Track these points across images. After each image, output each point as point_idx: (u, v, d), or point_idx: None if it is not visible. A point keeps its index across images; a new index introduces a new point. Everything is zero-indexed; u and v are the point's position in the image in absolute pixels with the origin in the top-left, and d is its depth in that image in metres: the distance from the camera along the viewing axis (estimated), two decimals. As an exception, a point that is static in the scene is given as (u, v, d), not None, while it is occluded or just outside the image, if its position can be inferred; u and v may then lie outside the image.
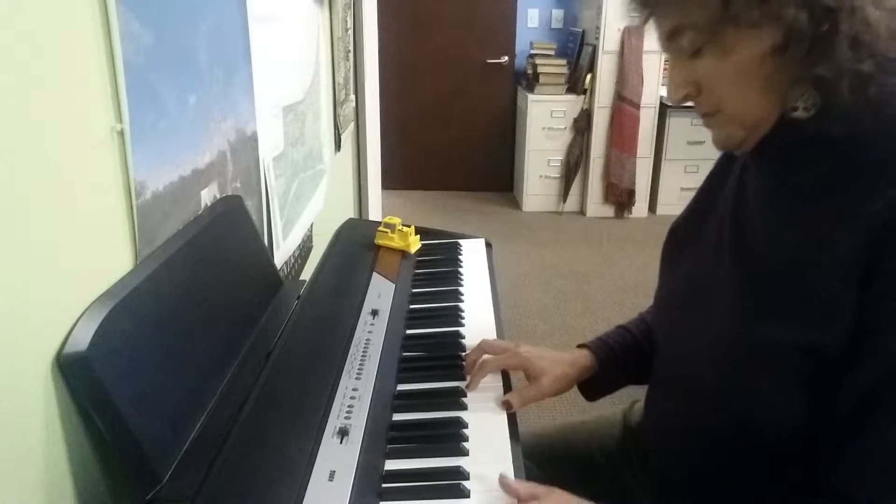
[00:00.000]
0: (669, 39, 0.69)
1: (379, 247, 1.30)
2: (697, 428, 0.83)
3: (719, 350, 0.75)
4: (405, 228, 1.32)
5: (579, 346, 1.03)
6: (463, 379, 0.96)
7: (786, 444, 0.72)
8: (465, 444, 0.82)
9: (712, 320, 0.78)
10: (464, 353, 1.02)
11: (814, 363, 0.67)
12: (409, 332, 1.08)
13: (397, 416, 0.87)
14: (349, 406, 0.82)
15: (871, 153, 0.64)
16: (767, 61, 0.64)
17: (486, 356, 0.98)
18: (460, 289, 1.23)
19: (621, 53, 4.10)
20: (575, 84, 4.34)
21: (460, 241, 1.43)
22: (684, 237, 0.91)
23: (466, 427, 0.85)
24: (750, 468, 0.77)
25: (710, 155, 0.86)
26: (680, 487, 0.88)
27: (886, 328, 0.62)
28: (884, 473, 0.63)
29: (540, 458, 1.03)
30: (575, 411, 2.24)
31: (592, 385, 1.02)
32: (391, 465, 0.78)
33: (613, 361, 1.00)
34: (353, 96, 2.42)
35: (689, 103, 0.72)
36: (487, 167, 4.96)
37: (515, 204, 4.71)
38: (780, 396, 0.70)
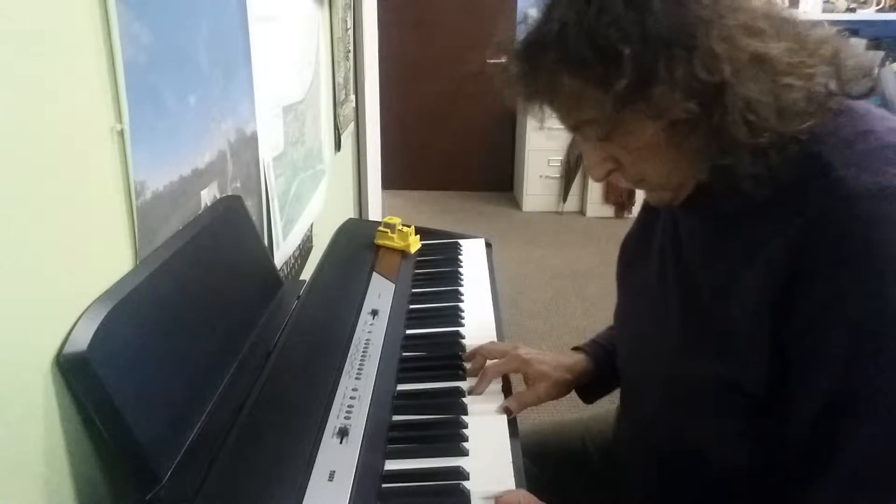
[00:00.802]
0: (574, 131, 0.71)
1: (379, 247, 1.30)
2: (648, 450, 0.83)
3: (662, 379, 0.77)
4: (405, 228, 1.32)
5: (574, 349, 1.04)
6: (463, 379, 0.96)
7: (741, 472, 0.71)
8: (464, 444, 0.82)
9: (657, 348, 0.79)
10: (463, 354, 1.02)
11: (741, 399, 0.68)
12: (409, 332, 1.08)
13: (397, 417, 0.87)
14: (349, 406, 0.82)
15: (774, 195, 0.64)
16: (673, 141, 0.65)
17: (487, 363, 0.98)
18: (460, 289, 1.23)
19: (621, 53, 4.10)
20: (575, 84, 4.33)
21: (460, 241, 1.43)
22: (634, 252, 0.90)
23: (466, 427, 0.85)
24: (705, 492, 0.76)
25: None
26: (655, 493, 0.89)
27: (814, 366, 0.61)
28: (867, 491, 0.62)
29: (534, 454, 1.03)
30: (570, 408, 2.24)
31: (589, 388, 1.02)
32: (391, 465, 0.78)
33: (608, 364, 1.00)
34: (353, 96, 2.42)
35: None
36: (487, 167, 4.96)
37: (515, 204, 4.71)
38: (721, 429, 0.71)
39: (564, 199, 4.47)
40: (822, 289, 0.59)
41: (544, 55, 0.65)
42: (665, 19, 0.60)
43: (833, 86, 0.64)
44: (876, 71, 0.69)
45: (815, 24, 0.68)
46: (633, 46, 0.60)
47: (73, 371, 0.62)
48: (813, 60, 0.63)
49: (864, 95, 0.66)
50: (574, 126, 0.70)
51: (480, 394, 0.93)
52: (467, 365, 0.99)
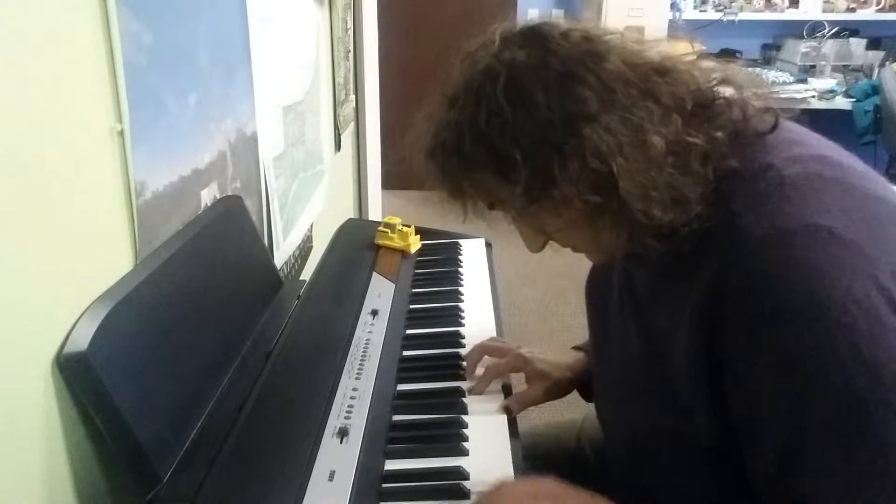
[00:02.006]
0: (491, 209, 0.73)
1: (379, 247, 1.30)
2: (620, 481, 0.83)
3: (624, 427, 0.78)
4: (405, 228, 1.32)
5: (574, 348, 1.03)
6: (463, 379, 0.96)
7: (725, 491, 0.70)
8: (465, 444, 0.82)
9: (623, 394, 0.79)
10: (463, 354, 1.01)
11: (702, 452, 0.68)
12: (409, 332, 1.08)
13: (397, 417, 0.87)
14: (349, 406, 0.82)
15: (693, 243, 0.65)
16: (588, 221, 0.68)
17: (487, 363, 0.97)
18: (460, 289, 1.23)
19: (621, 53, 4.10)
20: (575, 84, 4.33)
21: (460, 241, 1.43)
22: (599, 292, 0.89)
23: (466, 427, 0.85)
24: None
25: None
26: None
27: (762, 409, 0.61)
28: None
29: (531, 454, 1.03)
30: (568, 409, 2.23)
31: (590, 386, 1.02)
32: (391, 465, 0.78)
33: None
34: (353, 96, 2.42)
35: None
36: (487, 167, 4.95)
37: (515, 204, 4.70)
38: (689, 477, 0.71)
39: (564, 199, 4.46)
40: (741, 337, 0.61)
41: (448, 161, 0.68)
42: (551, 116, 0.62)
43: (739, 127, 0.66)
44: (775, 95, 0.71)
45: (718, 70, 0.69)
46: (524, 150, 0.62)
47: (73, 371, 0.62)
48: (708, 125, 0.64)
49: (771, 129, 0.67)
50: (490, 205, 0.73)
51: (481, 393, 0.93)
52: (470, 385, 0.97)
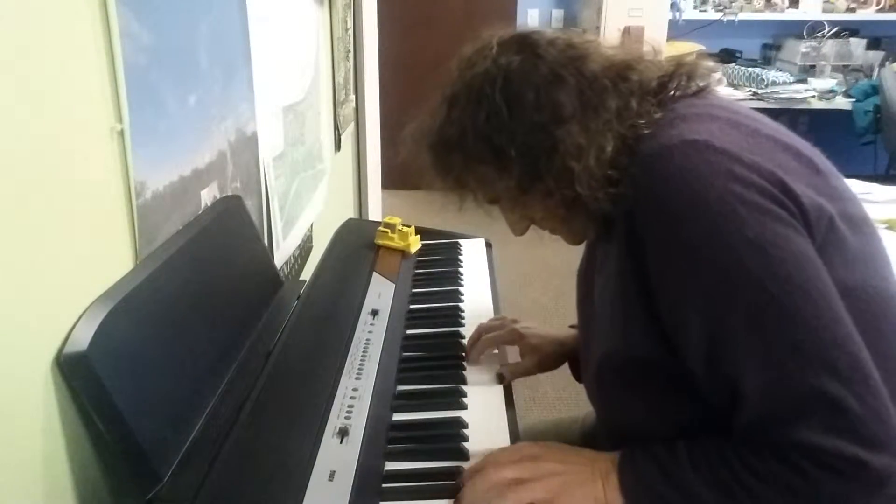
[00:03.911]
0: (491, 203, 0.84)
1: (379, 247, 1.30)
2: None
3: (594, 371, 0.82)
4: (405, 228, 1.32)
5: (571, 326, 1.06)
6: (463, 380, 0.96)
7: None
8: (465, 444, 0.81)
9: (592, 343, 0.84)
10: (464, 354, 1.02)
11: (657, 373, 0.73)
12: (409, 332, 1.08)
13: (397, 416, 0.87)
14: (349, 406, 0.82)
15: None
16: (567, 207, 0.77)
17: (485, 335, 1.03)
18: (460, 289, 1.23)
19: (621, 53, 4.10)
20: (575, 84, 4.33)
21: (460, 241, 1.43)
22: (585, 263, 0.94)
23: (466, 427, 0.85)
24: None
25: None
26: None
27: (682, 319, 0.67)
28: (782, 405, 0.64)
29: None
30: (569, 408, 2.24)
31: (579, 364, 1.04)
32: (391, 465, 0.78)
33: None
34: (353, 96, 2.42)
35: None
36: (487, 167, 4.95)
37: (515, 204, 4.70)
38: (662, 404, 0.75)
39: (564, 199, 4.46)
40: (651, 247, 0.68)
41: (450, 155, 0.77)
42: (539, 117, 0.72)
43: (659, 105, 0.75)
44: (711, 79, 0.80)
45: (673, 60, 0.79)
46: (517, 146, 0.72)
47: (73, 371, 0.62)
48: (646, 108, 0.74)
49: (696, 93, 0.78)
50: (492, 200, 0.83)
51: (475, 362, 0.99)
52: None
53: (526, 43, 0.75)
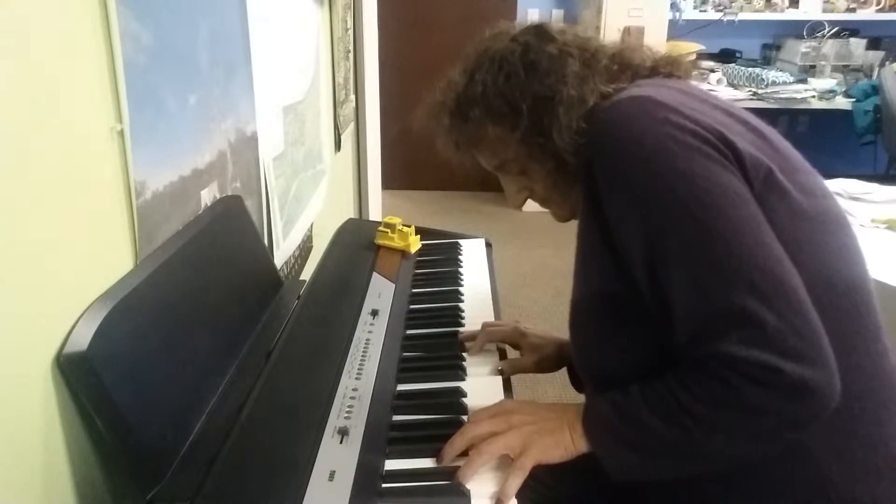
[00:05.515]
0: (497, 170, 0.91)
1: (379, 247, 1.30)
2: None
3: (571, 318, 0.86)
4: (405, 228, 1.32)
5: None
6: (463, 379, 0.96)
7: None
8: (465, 444, 0.81)
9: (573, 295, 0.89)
10: (464, 354, 1.02)
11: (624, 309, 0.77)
12: (409, 332, 1.08)
13: (397, 417, 0.87)
14: (349, 406, 0.82)
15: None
16: (559, 174, 0.85)
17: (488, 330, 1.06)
18: (460, 289, 1.23)
19: (621, 53, 4.10)
20: (575, 84, 4.33)
21: (460, 241, 1.43)
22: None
23: (466, 427, 0.85)
24: None
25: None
26: None
27: (628, 240, 0.73)
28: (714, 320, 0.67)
29: None
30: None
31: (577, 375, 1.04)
32: (391, 465, 0.78)
33: None
34: (353, 96, 2.42)
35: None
36: (488, 167, 4.95)
37: (515, 204, 4.69)
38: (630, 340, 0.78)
39: (564, 199, 4.46)
40: (603, 185, 0.75)
41: (472, 110, 0.85)
42: (549, 80, 0.81)
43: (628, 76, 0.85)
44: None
45: (653, 50, 0.90)
46: (529, 103, 0.82)
47: (73, 371, 0.62)
48: (623, 82, 0.83)
49: (667, 75, 0.87)
50: (498, 165, 0.90)
51: (476, 353, 1.02)
52: (469, 344, 1.04)
53: (541, 28, 0.87)
